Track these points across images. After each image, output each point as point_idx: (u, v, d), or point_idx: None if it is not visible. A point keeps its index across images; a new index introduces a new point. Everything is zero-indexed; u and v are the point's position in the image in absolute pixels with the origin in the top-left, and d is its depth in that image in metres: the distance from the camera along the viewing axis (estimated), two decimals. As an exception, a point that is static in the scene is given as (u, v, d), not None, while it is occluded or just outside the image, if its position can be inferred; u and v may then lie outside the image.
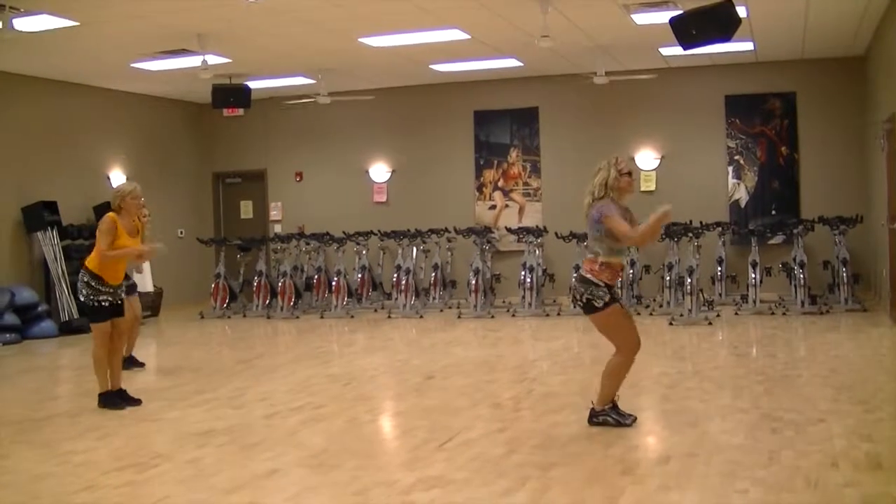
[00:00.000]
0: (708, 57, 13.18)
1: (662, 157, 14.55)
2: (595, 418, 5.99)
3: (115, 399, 7.17)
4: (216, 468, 5.33)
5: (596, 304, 5.83)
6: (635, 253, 13.21)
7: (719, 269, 13.21)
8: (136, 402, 7.28)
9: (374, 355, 10.01)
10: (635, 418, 6.00)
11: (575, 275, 6.28)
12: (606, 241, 5.86)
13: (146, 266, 10.05)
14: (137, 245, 7.32)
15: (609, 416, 5.95)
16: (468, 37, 11.63)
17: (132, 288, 9.28)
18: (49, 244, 13.02)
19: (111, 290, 7.18)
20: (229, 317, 14.29)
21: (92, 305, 7.16)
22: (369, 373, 8.86)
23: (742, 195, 14.26)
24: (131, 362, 9.10)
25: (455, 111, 15.51)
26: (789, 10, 10.67)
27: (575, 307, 6.14)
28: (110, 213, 7.20)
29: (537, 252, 13.53)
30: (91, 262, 7.19)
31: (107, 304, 7.17)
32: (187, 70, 12.43)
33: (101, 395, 7.21)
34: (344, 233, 14.49)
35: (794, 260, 12.33)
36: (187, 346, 11.50)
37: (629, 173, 5.98)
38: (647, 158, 14.57)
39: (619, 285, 6.38)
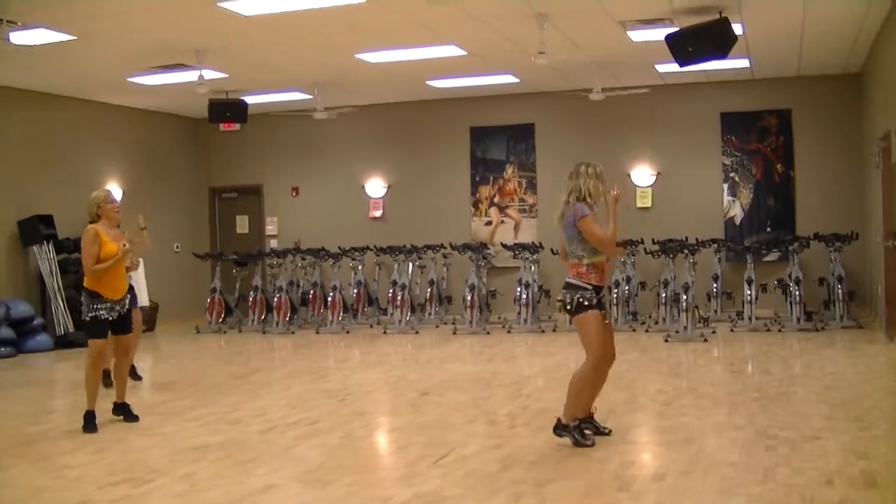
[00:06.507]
0: (704, 74, 13.23)
1: (658, 174, 14.57)
2: (560, 430, 5.95)
3: (91, 422, 6.94)
4: (211, 483, 5.31)
5: (584, 304, 5.88)
6: (631, 269, 13.22)
7: (715, 285, 13.24)
8: (135, 418, 7.27)
9: (369, 371, 9.99)
10: (593, 443, 5.90)
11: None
12: (587, 242, 5.94)
13: (142, 280, 9.98)
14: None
15: (573, 434, 5.89)
16: (465, 53, 11.67)
17: (133, 300, 9.25)
18: (45, 258, 13.01)
19: (110, 305, 7.05)
20: (225, 332, 14.28)
21: (89, 319, 7.01)
22: (365, 388, 8.84)
23: (737, 212, 14.28)
24: (132, 374, 9.11)
25: (451, 127, 15.54)
26: (785, 27, 10.73)
27: (563, 311, 6.07)
28: (91, 225, 7.05)
29: (533, 268, 13.54)
30: (86, 281, 7.05)
31: (105, 315, 7.01)
32: (184, 84, 12.46)
33: (87, 414, 6.98)
34: (340, 248, 14.48)
35: (790, 277, 12.35)
36: (183, 360, 11.48)
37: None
38: (642, 175, 14.59)
39: (607, 293, 6.32)
